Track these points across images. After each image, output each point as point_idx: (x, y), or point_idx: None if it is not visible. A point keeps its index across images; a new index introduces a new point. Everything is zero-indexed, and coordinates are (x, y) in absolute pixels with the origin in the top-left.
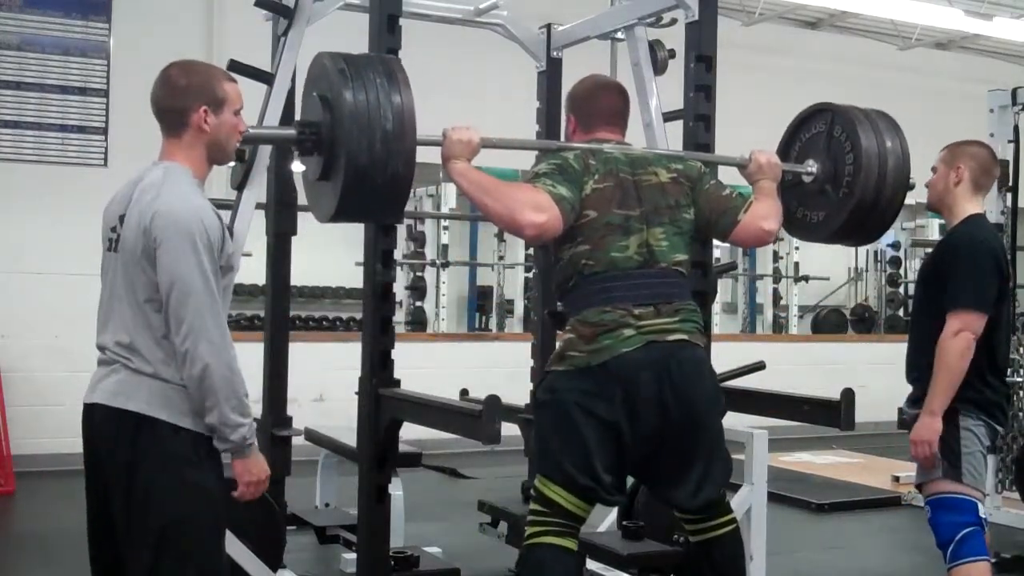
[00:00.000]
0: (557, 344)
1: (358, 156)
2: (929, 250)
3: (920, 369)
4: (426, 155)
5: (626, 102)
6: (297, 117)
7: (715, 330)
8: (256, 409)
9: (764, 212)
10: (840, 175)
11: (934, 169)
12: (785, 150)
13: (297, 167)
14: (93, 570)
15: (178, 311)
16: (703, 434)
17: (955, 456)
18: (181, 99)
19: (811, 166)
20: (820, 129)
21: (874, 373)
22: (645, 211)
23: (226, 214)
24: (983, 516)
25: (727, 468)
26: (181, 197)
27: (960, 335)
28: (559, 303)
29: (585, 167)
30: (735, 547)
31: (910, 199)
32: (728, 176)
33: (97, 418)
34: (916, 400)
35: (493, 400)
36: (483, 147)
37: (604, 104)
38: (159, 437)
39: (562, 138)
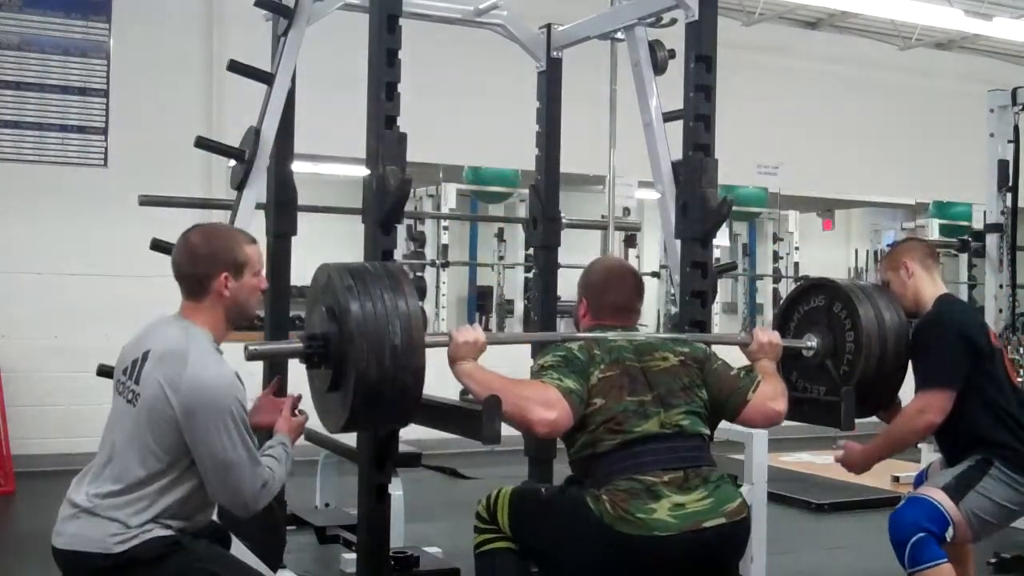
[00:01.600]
0: None
1: (367, 373)
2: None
3: (953, 451)
4: (426, 155)
5: (639, 290)
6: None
7: (715, 330)
8: None
9: (772, 393)
10: (841, 351)
11: (886, 283)
12: (783, 321)
13: (297, 167)
14: None
15: (221, 482)
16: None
17: (966, 486)
18: (203, 266)
19: (811, 340)
20: (818, 303)
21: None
22: (659, 394)
23: (226, 214)
24: (947, 539)
25: None
26: (211, 370)
27: (921, 416)
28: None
29: (590, 357)
30: None
31: (909, 199)
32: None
33: (65, 563)
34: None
35: (493, 400)
36: (489, 343)
37: (616, 296)
38: (124, 563)
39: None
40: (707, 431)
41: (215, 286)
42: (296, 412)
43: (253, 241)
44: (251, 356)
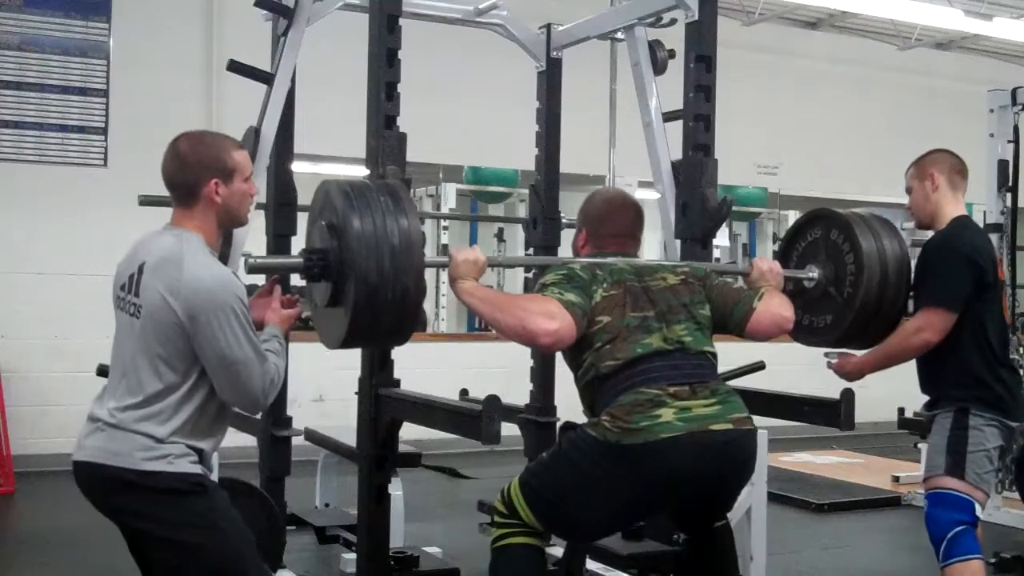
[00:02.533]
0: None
1: (367, 275)
2: None
3: (931, 374)
4: (427, 156)
5: (639, 220)
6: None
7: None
8: None
9: (779, 301)
10: (842, 277)
11: (909, 190)
12: (783, 259)
13: (297, 167)
14: None
15: (231, 382)
16: (732, 500)
17: (960, 455)
18: (192, 173)
19: (812, 271)
20: (816, 235)
21: (874, 373)
22: (660, 311)
23: None
24: (979, 516)
25: None
26: (208, 271)
27: (919, 334)
28: (590, 411)
29: (592, 276)
30: (725, 540)
31: (908, 198)
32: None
33: (85, 476)
34: (932, 404)
35: (493, 400)
36: (490, 265)
37: (617, 225)
38: (150, 486)
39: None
40: (712, 349)
41: (205, 192)
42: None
43: (241, 147)
44: (252, 269)
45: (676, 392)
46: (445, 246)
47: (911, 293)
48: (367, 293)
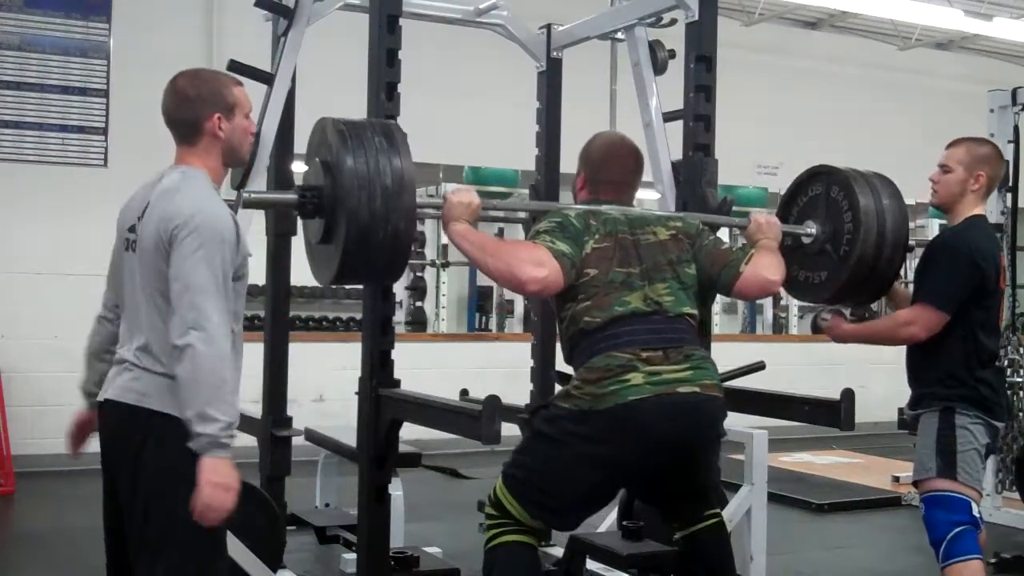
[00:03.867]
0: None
1: (359, 213)
2: None
3: (917, 369)
4: (427, 156)
5: (639, 167)
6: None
7: (715, 330)
8: (256, 409)
9: (766, 263)
10: (840, 234)
11: (945, 168)
12: (783, 215)
13: (297, 167)
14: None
15: (179, 305)
16: (705, 471)
17: (950, 454)
18: (193, 109)
19: (810, 227)
20: (817, 192)
21: (874, 373)
22: (645, 268)
23: None
24: (977, 515)
25: (718, 478)
26: (197, 200)
27: (907, 327)
28: (568, 364)
29: (586, 226)
30: (720, 538)
31: (910, 199)
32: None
33: (108, 414)
34: (916, 402)
35: (493, 400)
36: (485, 210)
37: (615, 172)
38: (167, 432)
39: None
40: (693, 310)
41: (208, 127)
42: None
43: (240, 83)
44: (248, 204)
45: (648, 357)
46: (445, 247)
47: (910, 270)
48: (358, 231)
